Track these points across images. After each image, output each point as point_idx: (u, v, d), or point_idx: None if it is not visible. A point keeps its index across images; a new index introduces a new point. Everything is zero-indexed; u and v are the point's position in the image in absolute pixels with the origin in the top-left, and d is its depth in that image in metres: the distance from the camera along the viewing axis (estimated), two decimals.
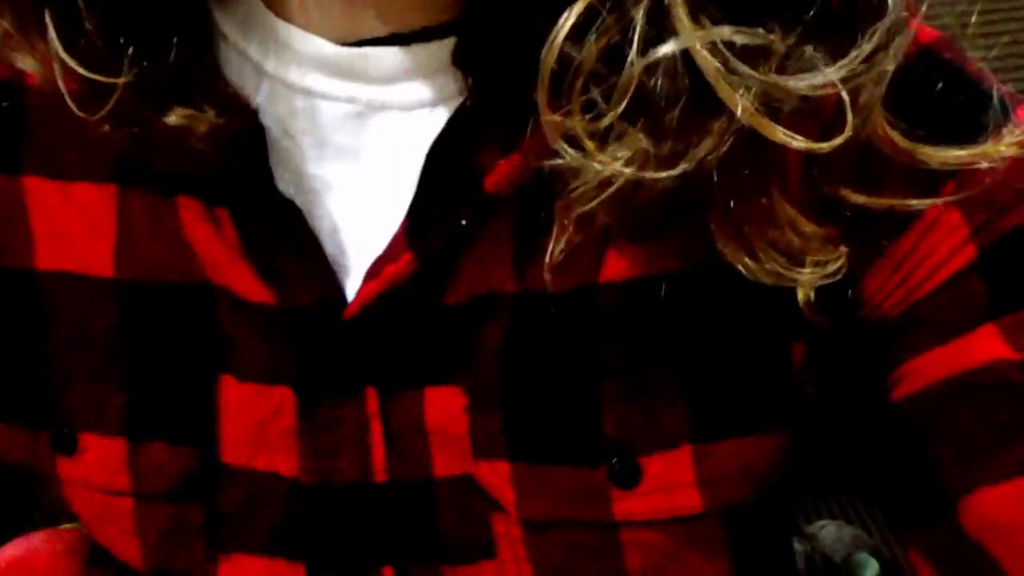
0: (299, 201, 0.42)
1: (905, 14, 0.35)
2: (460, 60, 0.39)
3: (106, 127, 0.39)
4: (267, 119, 0.41)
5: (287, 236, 0.42)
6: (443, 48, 0.40)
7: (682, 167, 0.35)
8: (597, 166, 0.35)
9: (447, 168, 0.40)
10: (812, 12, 0.34)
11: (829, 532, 1.04)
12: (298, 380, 0.43)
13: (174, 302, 0.43)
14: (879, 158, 0.38)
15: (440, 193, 0.40)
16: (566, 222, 0.38)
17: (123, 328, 0.44)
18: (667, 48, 0.33)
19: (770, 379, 0.42)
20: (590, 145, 0.35)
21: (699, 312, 0.41)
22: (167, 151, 0.40)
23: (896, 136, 0.37)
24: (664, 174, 0.35)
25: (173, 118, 0.38)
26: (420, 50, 0.40)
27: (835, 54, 0.34)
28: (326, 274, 0.42)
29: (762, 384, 0.42)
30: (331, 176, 0.42)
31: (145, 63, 0.38)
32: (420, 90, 0.40)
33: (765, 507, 0.45)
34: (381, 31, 0.40)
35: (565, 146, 0.36)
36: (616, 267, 0.41)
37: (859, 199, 0.38)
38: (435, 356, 0.42)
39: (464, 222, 0.40)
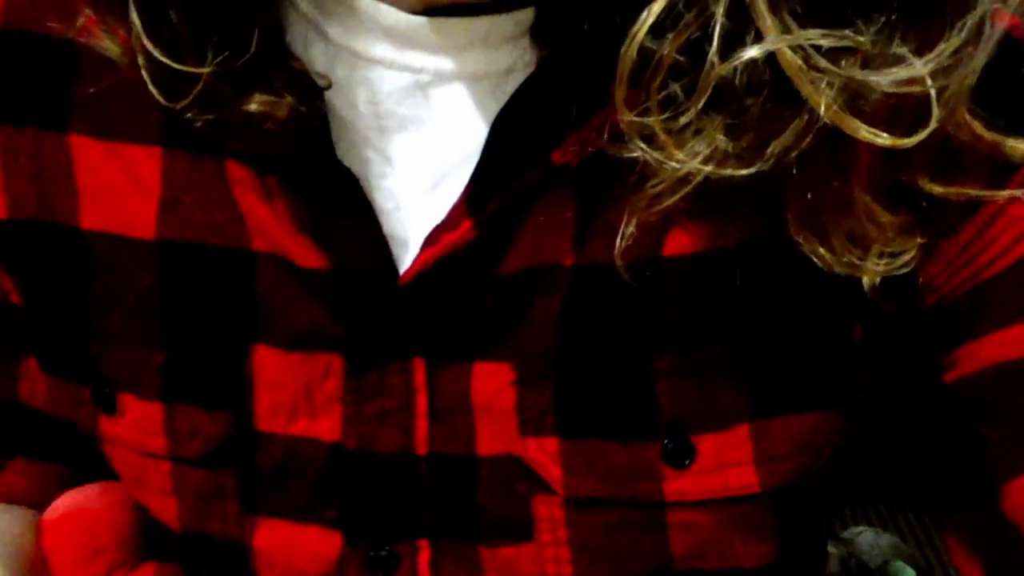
0: (356, 170, 0.42)
1: (996, 5, 0.34)
2: (538, 31, 0.39)
3: (188, 114, 0.39)
4: (331, 90, 0.41)
5: (344, 205, 0.42)
6: (512, 20, 0.39)
7: (760, 164, 0.35)
8: (675, 164, 0.35)
9: (513, 138, 0.40)
10: (899, 2, 0.33)
11: (866, 538, 1.04)
12: (347, 345, 0.43)
13: (214, 266, 0.43)
14: (958, 148, 0.38)
15: (504, 163, 0.40)
16: (640, 206, 0.38)
17: (163, 290, 0.44)
18: (752, 52, 0.33)
19: (829, 356, 0.42)
20: (668, 143, 0.35)
21: (761, 288, 0.41)
22: (242, 136, 0.40)
23: (979, 127, 0.37)
24: (742, 172, 0.35)
25: (254, 105, 0.39)
26: (488, 21, 0.39)
27: (923, 47, 0.34)
28: (380, 241, 0.42)
29: (821, 361, 0.42)
30: (392, 147, 0.42)
31: (227, 52, 0.38)
32: (487, 61, 0.40)
33: (811, 494, 0.45)
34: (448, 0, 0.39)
35: (643, 145, 0.36)
36: (680, 241, 0.41)
37: (937, 189, 0.38)
38: (487, 328, 0.42)
39: (527, 192, 0.40)
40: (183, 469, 0.46)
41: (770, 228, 0.39)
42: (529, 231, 0.41)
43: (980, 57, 0.34)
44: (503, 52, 0.40)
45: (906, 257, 0.38)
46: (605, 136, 0.38)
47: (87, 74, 0.44)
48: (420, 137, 0.42)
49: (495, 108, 0.40)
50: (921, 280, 0.41)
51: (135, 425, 0.46)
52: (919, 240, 0.38)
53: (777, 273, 0.41)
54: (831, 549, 1.00)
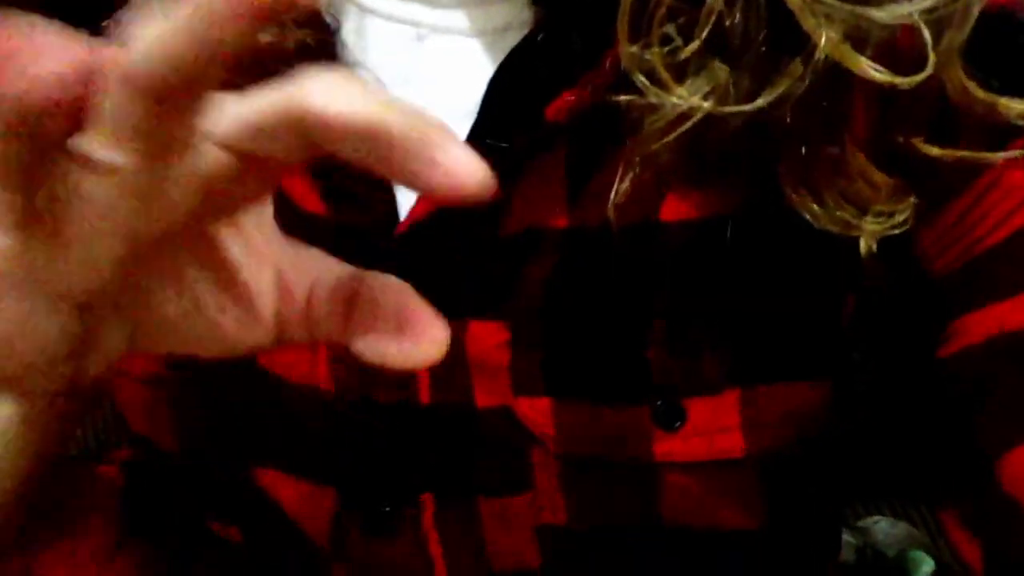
0: None
1: None
2: None
3: None
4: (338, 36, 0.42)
5: None
6: None
7: (760, 101, 0.35)
8: (675, 99, 0.35)
9: (509, 96, 0.40)
10: None
11: (882, 527, 1.03)
12: None
13: None
14: (954, 110, 0.38)
15: (500, 120, 0.40)
16: (635, 159, 0.38)
17: None
18: None
19: (820, 327, 0.42)
20: (668, 78, 0.35)
21: (756, 257, 0.41)
22: (253, 67, 0.41)
23: (974, 87, 0.37)
24: (742, 108, 0.35)
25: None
26: None
27: None
28: (383, 193, 0.42)
29: (812, 332, 0.42)
30: None
31: None
32: (484, 18, 0.40)
33: (803, 465, 0.45)
34: None
35: (643, 79, 0.36)
36: (676, 207, 0.41)
37: (932, 151, 0.38)
38: (481, 287, 0.42)
39: (522, 151, 0.40)
40: (186, 402, 0.46)
41: (764, 198, 0.39)
42: (523, 191, 0.41)
43: (975, 7, 0.35)
44: (501, 9, 0.40)
45: (900, 217, 0.38)
46: (603, 91, 0.38)
47: None
48: (417, 93, 0.42)
49: (491, 66, 0.40)
50: (916, 251, 0.41)
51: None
52: (913, 200, 0.38)
53: (770, 243, 0.41)
54: (846, 538, 1.01)
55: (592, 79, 0.38)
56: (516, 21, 0.40)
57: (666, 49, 0.35)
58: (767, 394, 0.42)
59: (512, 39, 0.40)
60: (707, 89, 0.35)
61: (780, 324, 0.42)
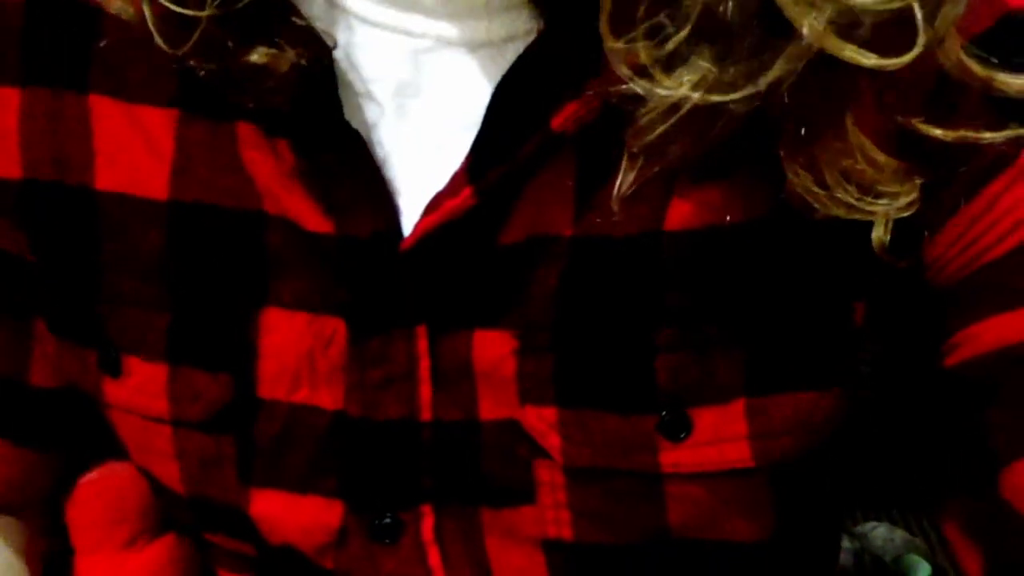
0: (361, 134, 0.42)
1: None
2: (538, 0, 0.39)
3: (190, 62, 0.39)
4: (335, 51, 0.42)
5: (349, 166, 0.42)
6: None
7: (750, 89, 0.35)
8: (662, 91, 0.35)
9: (514, 105, 0.40)
10: None
11: (880, 533, 1.04)
12: (350, 311, 0.43)
13: (225, 227, 0.44)
14: (955, 89, 0.38)
15: (505, 131, 0.40)
16: (635, 151, 0.38)
17: (172, 250, 0.44)
18: None
19: (829, 336, 0.42)
20: (655, 70, 0.35)
21: (763, 264, 0.41)
22: (246, 88, 0.41)
23: (973, 63, 0.37)
24: (732, 96, 0.35)
25: (255, 56, 0.39)
26: None
27: None
28: (386, 205, 0.42)
29: (821, 340, 0.42)
30: (392, 113, 0.42)
31: None
32: (487, 29, 0.40)
33: (811, 474, 0.45)
34: None
35: (630, 72, 0.36)
36: (681, 215, 0.41)
37: (934, 131, 0.38)
38: (488, 297, 0.42)
39: (527, 161, 0.40)
40: (185, 433, 0.46)
41: (773, 204, 0.39)
42: (529, 201, 0.41)
43: None
44: (503, 20, 0.40)
45: (906, 199, 0.38)
46: (601, 94, 0.38)
47: (109, 34, 0.44)
48: (420, 104, 0.42)
49: (495, 76, 0.40)
50: (928, 258, 0.41)
51: (140, 388, 0.46)
52: (917, 183, 0.38)
53: (779, 250, 0.41)
54: (844, 543, 1.01)
55: (597, 87, 0.38)
56: (519, 32, 0.40)
57: (653, 42, 0.35)
58: (775, 403, 0.42)
59: (515, 50, 0.40)
60: (695, 79, 0.35)
61: (788, 333, 0.42)
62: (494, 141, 0.40)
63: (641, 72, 0.36)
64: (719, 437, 0.42)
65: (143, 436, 0.48)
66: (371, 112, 0.42)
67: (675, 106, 0.36)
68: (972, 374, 0.41)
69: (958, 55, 0.37)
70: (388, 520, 0.45)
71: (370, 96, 0.42)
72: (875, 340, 0.43)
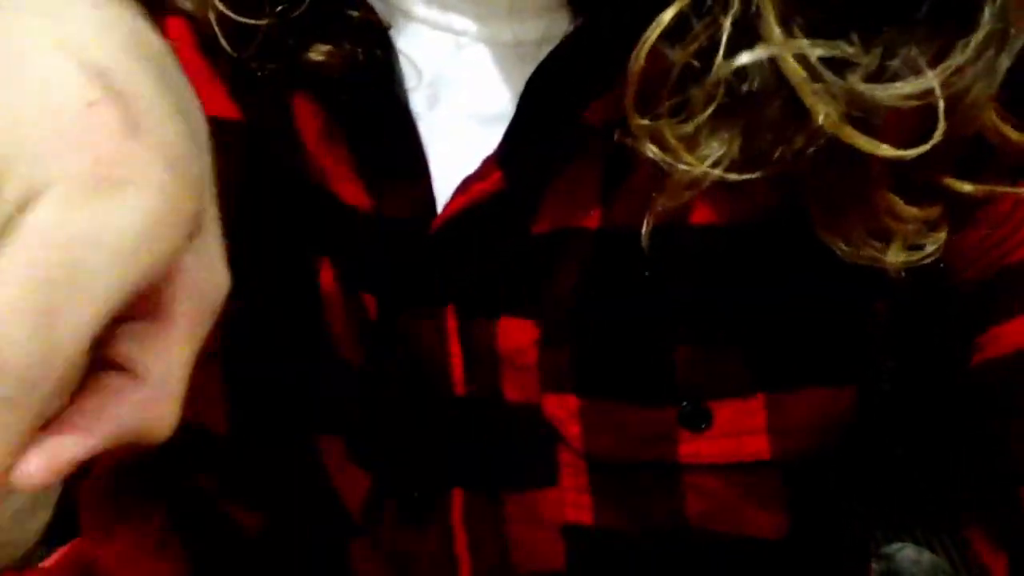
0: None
1: (1018, 11, 0.35)
2: (575, 2, 0.40)
3: (252, 64, 0.41)
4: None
5: (396, 146, 0.43)
6: None
7: (769, 169, 0.36)
8: (684, 167, 0.37)
9: (546, 98, 0.41)
10: (914, 15, 0.34)
11: (907, 555, 1.04)
12: (382, 287, 0.44)
13: (282, 186, 0.44)
14: (985, 148, 0.38)
15: (536, 122, 0.41)
16: (664, 197, 0.39)
17: (249, 178, 0.44)
18: (747, 56, 0.35)
19: (848, 334, 0.43)
20: (678, 147, 0.37)
21: (786, 262, 0.42)
22: (309, 82, 0.42)
23: (1009, 130, 0.37)
24: (751, 175, 0.36)
25: (314, 54, 0.41)
26: None
27: (939, 56, 0.34)
28: (425, 187, 0.43)
29: (839, 338, 0.43)
30: (429, 103, 0.43)
31: (284, 4, 0.40)
32: (522, 30, 0.42)
33: (826, 471, 0.46)
34: None
35: (654, 148, 0.37)
36: (705, 211, 0.41)
37: (965, 188, 0.39)
38: (513, 285, 0.43)
39: (556, 152, 0.41)
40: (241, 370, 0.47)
41: (796, 202, 0.40)
42: (557, 192, 0.42)
43: (1002, 61, 0.35)
44: (542, 20, 0.41)
45: (931, 248, 0.39)
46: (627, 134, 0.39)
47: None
48: (456, 96, 0.43)
49: (528, 73, 0.41)
50: (950, 260, 0.41)
51: None
52: (943, 236, 0.39)
53: (801, 249, 0.41)
54: (872, 565, 1.01)
55: (622, 80, 0.39)
56: (555, 32, 0.41)
57: (676, 120, 0.37)
58: (793, 398, 0.43)
59: (548, 49, 0.41)
60: (716, 157, 0.37)
61: (807, 330, 0.43)
62: (526, 130, 0.42)
63: (664, 147, 0.37)
64: (738, 429, 0.43)
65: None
66: (411, 101, 0.43)
67: (697, 179, 0.37)
68: (993, 376, 0.41)
69: (994, 122, 0.37)
70: (417, 496, 0.46)
71: (412, 87, 0.43)
72: (897, 339, 0.43)
